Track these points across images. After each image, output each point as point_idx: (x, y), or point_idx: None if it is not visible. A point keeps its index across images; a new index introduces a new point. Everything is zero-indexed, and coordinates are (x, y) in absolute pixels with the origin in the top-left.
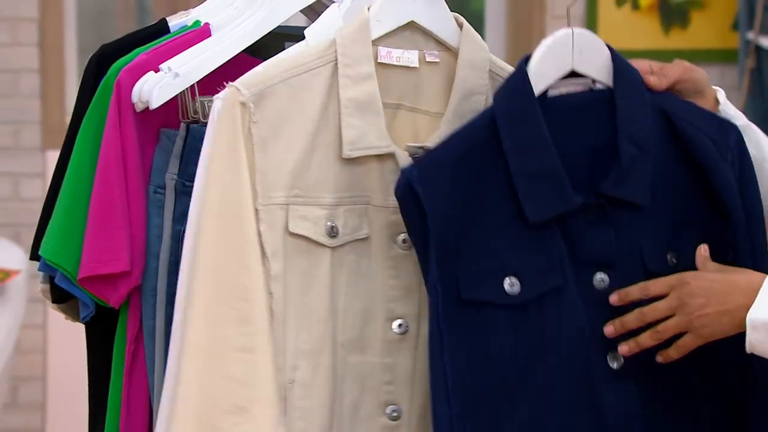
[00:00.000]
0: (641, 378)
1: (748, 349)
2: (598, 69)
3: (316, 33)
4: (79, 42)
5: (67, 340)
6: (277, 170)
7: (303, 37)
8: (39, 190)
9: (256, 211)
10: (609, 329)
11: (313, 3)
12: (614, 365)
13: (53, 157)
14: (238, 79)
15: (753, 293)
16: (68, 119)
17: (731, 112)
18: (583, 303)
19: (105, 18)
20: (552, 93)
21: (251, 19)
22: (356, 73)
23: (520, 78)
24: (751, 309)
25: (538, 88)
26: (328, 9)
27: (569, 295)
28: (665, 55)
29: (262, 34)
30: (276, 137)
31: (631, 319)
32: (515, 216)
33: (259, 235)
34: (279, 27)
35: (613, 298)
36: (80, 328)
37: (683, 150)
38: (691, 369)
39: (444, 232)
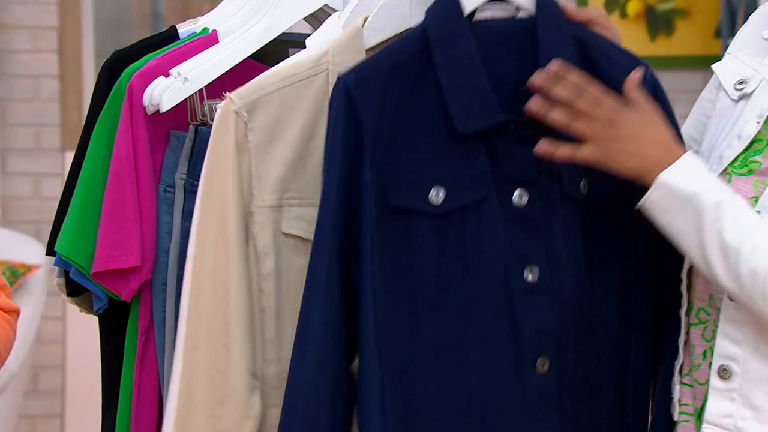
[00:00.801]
0: (556, 294)
1: (641, 203)
2: None
3: (317, 42)
4: (96, 49)
5: (85, 331)
6: (271, 174)
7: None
8: (58, 189)
9: (251, 213)
10: (540, 77)
11: (316, 11)
12: (529, 278)
13: (72, 157)
14: (235, 91)
15: (671, 156)
16: None
17: None
18: (503, 218)
19: (121, 26)
20: (479, 16)
21: (257, 27)
22: None
23: None
24: (666, 170)
25: (466, 10)
26: (329, 18)
27: (490, 209)
28: (651, 61)
29: (267, 41)
30: (270, 143)
31: (564, 88)
32: (443, 130)
33: (253, 236)
34: (283, 34)
35: (554, 64)
36: (97, 320)
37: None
38: (602, 292)
39: (377, 138)
